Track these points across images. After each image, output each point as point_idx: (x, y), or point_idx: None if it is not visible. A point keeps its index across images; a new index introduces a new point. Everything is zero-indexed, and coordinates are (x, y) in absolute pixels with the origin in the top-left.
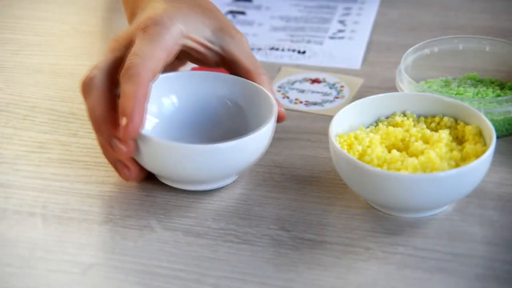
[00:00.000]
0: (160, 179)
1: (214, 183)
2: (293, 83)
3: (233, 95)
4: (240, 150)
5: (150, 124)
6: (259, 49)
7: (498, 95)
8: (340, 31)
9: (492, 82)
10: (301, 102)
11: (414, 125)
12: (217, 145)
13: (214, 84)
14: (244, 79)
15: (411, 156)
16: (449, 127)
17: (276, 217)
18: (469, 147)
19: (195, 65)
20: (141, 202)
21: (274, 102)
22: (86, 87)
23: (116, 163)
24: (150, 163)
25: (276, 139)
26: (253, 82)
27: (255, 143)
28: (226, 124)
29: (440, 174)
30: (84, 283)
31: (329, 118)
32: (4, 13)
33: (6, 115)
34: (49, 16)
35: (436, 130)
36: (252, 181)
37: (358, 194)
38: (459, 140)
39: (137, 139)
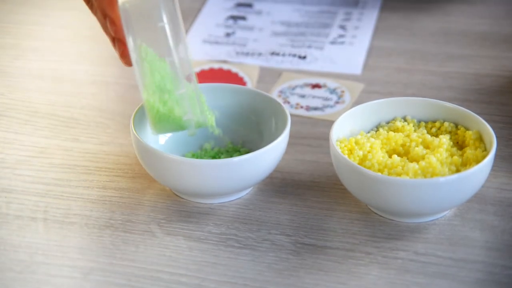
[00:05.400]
0: (175, 192)
1: (230, 196)
2: (294, 88)
3: (246, 106)
4: (254, 163)
5: (164, 138)
6: (260, 54)
7: None
8: (341, 36)
9: None
10: (302, 107)
11: (415, 130)
12: (231, 160)
13: (226, 96)
14: (257, 90)
15: (411, 161)
16: (450, 132)
17: (277, 222)
18: (469, 152)
19: None
20: (142, 207)
21: (287, 112)
22: None
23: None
24: (164, 179)
25: None
26: (266, 93)
27: (270, 156)
28: (240, 135)
29: (441, 179)
30: (85, 287)
31: (330, 123)
32: (5, 18)
33: (7, 120)
34: (50, 22)
35: (436, 135)
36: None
37: (358, 199)
38: (459, 145)
39: (150, 155)
